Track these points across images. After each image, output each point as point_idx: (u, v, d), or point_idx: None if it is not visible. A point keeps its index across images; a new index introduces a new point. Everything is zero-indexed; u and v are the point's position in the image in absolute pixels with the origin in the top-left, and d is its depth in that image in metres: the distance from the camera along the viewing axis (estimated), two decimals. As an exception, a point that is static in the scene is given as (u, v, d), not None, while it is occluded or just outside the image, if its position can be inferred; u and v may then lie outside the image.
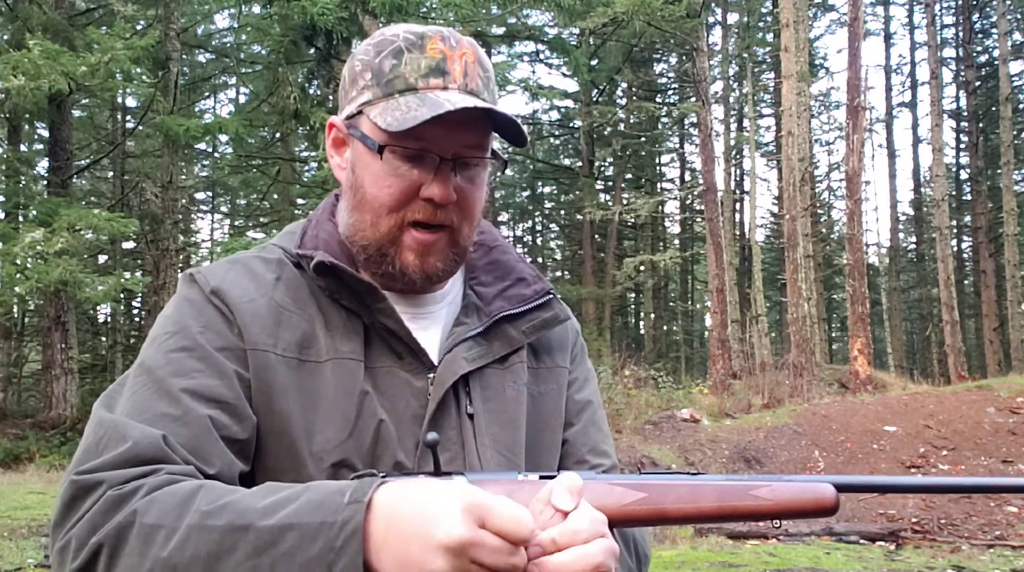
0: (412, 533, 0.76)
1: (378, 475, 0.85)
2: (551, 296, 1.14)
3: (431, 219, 1.02)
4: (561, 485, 0.82)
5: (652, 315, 31.80)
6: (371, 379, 1.01)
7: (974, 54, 29.09)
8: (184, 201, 23.77)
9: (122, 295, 16.65)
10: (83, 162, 19.86)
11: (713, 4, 23.59)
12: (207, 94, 26.69)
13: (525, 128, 1.03)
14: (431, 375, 1.04)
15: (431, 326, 1.09)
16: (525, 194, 33.77)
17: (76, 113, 19.03)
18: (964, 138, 31.99)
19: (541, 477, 0.91)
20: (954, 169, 32.45)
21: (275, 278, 1.05)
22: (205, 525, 0.81)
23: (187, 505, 0.82)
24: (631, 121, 28.14)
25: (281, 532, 0.79)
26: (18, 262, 11.48)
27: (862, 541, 8.05)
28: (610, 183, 31.73)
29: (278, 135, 17.02)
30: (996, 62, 27.21)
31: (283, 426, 0.97)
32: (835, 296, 33.35)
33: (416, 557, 0.75)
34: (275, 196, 22.48)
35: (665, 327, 33.36)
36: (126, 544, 0.82)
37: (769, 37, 27.04)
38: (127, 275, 16.93)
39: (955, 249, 30.18)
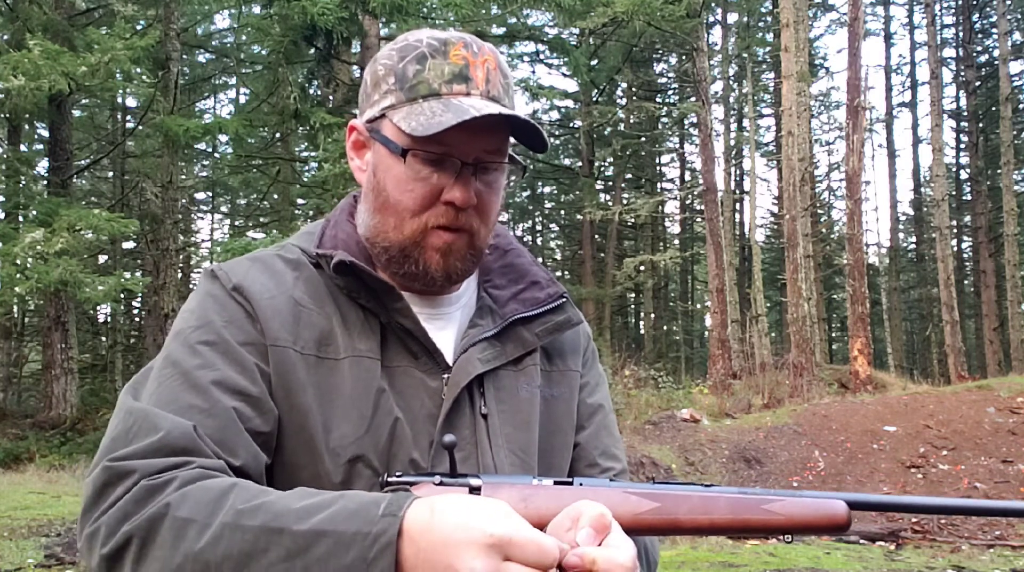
0: (439, 559, 0.76)
1: (411, 491, 0.86)
2: (564, 300, 1.15)
3: (452, 223, 1.03)
4: (587, 520, 0.82)
5: (652, 315, 31.80)
6: (387, 378, 1.02)
7: (974, 54, 29.09)
8: (184, 201, 23.79)
9: (122, 295, 16.62)
10: (83, 162, 19.86)
11: (713, 4, 23.58)
12: (207, 94, 26.70)
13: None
14: (446, 375, 1.05)
15: (446, 327, 1.10)
16: (525, 194, 33.77)
17: (76, 113, 19.03)
18: (964, 138, 31.99)
19: (556, 483, 0.91)
20: (954, 169, 32.44)
21: (295, 276, 1.06)
22: (239, 524, 0.81)
23: (221, 502, 0.83)
24: (631, 121, 28.13)
25: (315, 537, 0.80)
26: (18, 262, 11.47)
27: (862, 541, 8.06)
28: (610, 183, 31.72)
29: (278, 135, 17.01)
30: (996, 62, 27.21)
31: (302, 421, 0.98)
32: (835, 296, 33.33)
33: (455, 548, 0.76)
34: (275, 196, 22.46)
35: (665, 327, 33.36)
36: (157, 536, 0.83)
37: (769, 37, 27.02)
38: (127, 275, 16.93)
39: (955, 249, 30.16)
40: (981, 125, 29.17)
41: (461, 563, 0.75)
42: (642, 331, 32.95)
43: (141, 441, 0.89)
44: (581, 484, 0.93)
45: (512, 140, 1.06)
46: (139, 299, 22.45)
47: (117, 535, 0.84)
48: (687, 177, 31.55)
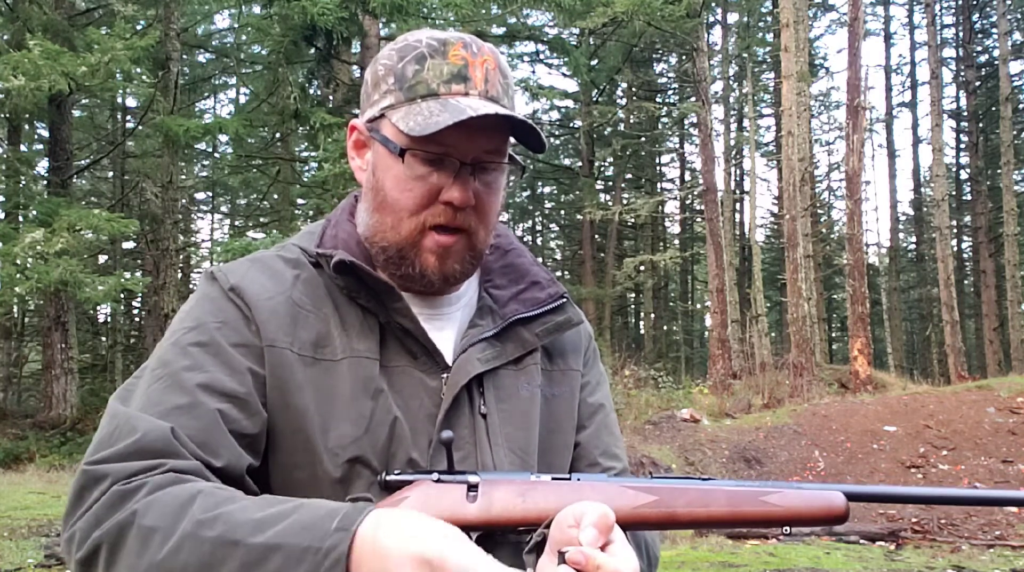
0: (388, 552, 0.78)
1: (372, 500, 0.87)
2: (565, 300, 1.15)
3: (450, 222, 1.03)
4: (590, 520, 0.82)
5: (652, 315, 31.80)
6: (386, 377, 1.03)
7: (974, 54, 29.10)
8: (184, 201, 23.80)
9: (122, 295, 16.64)
10: (83, 162, 19.87)
11: (713, 4, 23.59)
12: (207, 94, 26.71)
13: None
14: (445, 375, 1.05)
15: (446, 327, 1.10)
16: (525, 194, 33.78)
17: (76, 113, 19.04)
18: (964, 138, 32.00)
19: (554, 479, 0.91)
20: (954, 169, 32.46)
21: (294, 277, 1.06)
22: (198, 535, 0.82)
23: (184, 510, 0.84)
24: (631, 121, 28.14)
25: (268, 551, 0.80)
26: (18, 262, 11.48)
27: (862, 541, 8.06)
28: (610, 183, 31.73)
29: (278, 135, 17.03)
30: (996, 62, 27.22)
31: (299, 422, 0.99)
32: (835, 296, 33.34)
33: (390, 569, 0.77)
34: (275, 196, 22.49)
35: (665, 327, 33.36)
36: (125, 544, 0.84)
37: (769, 37, 27.03)
38: (127, 275, 16.93)
39: (955, 249, 30.17)
40: (981, 125, 29.18)
41: None
42: (642, 331, 32.96)
43: (119, 444, 0.90)
44: (579, 479, 0.93)
45: (512, 140, 1.06)
46: (139, 299, 22.47)
47: (88, 541, 0.85)
48: (687, 177, 31.56)
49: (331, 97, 14.43)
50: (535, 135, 1.03)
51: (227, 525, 0.82)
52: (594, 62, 24.85)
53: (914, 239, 36.84)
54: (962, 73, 29.93)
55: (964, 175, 32.68)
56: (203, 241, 29.36)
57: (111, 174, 24.87)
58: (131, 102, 22.21)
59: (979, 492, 0.93)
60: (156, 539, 0.82)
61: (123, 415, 0.93)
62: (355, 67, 14.80)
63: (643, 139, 27.96)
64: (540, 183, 33.33)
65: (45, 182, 15.93)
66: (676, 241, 32.36)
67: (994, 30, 28.30)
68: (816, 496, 0.91)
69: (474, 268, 1.09)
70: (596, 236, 28.26)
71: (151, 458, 0.89)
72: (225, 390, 0.96)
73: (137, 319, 26.60)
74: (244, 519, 0.83)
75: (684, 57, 24.07)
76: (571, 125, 29.14)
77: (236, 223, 29.47)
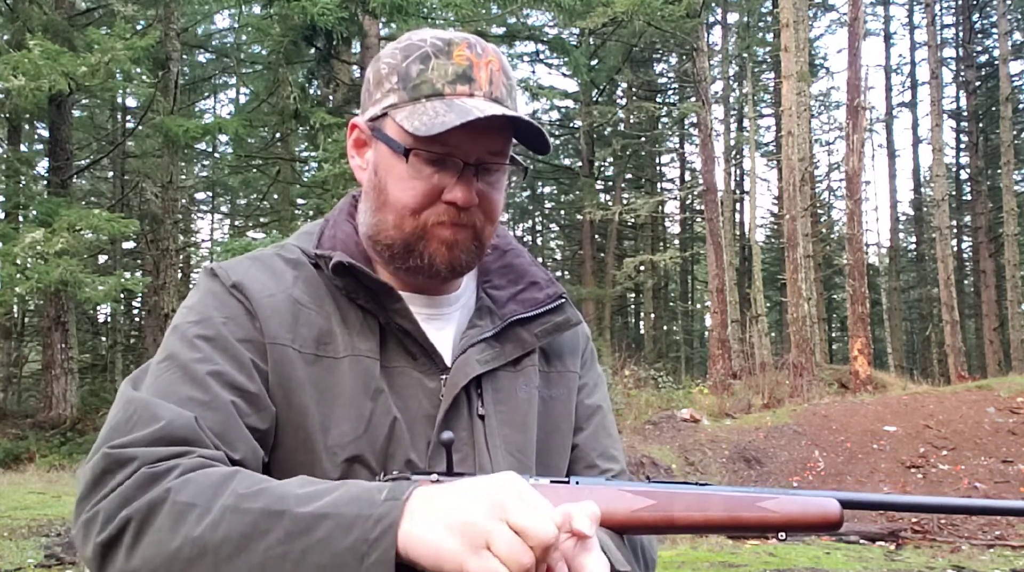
0: (443, 514, 0.78)
1: (412, 478, 0.87)
2: (563, 300, 1.15)
3: (454, 220, 1.03)
4: (583, 511, 0.83)
5: (652, 315, 31.80)
6: (386, 378, 1.03)
7: (974, 54, 29.09)
8: (184, 201, 23.81)
9: (122, 295, 16.63)
10: (83, 162, 19.86)
11: (713, 4, 23.58)
12: (207, 94, 26.71)
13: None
14: (444, 376, 1.05)
15: (445, 327, 1.10)
16: (525, 194, 33.76)
17: (76, 113, 19.02)
18: (964, 138, 32.00)
19: (552, 482, 0.92)
20: (954, 169, 32.45)
21: (294, 275, 1.06)
22: (240, 507, 0.81)
23: (223, 487, 0.83)
24: (631, 121, 28.14)
25: (317, 520, 0.80)
26: (18, 262, 11.48)
27: (862, 541, 8.06)
28: (610, 183, 31.73)
29: (278, 135, 17.03)
30: (996, 62, 27.22)
31: (300, 420, 0.99)
32: (835, 296, 33.33)
33: (454, 508, 0.77)
34: (275, 196, 22.49)
35: (665, 327, 33.36)
36: (156, 520, 0.82)
37: (769, 37, 27.03)
38: (127, 275, 16.93)
39: (955, 249, 30.16)
40: (981, 125, 29.18)
41: (464, 512, 0.76)
42: (642, 331, 32.96)
43: (142, 430, 0.89)
44: (578, 483, 0.93)
45: (513, 141, 1.06)
46: (139, 299, 22.46)
47: (115, 520, 0.83)
48: (687, 177, 31.55)
49: (331, 97, 14.43)
50: (540, 136, 1.03)
51: (271, 497, 0.82)
52: (594, 62, 24.85)
53: (914, 239, 36.85)
54: (962, 73, 29.92)
55: (964, 175, 32.68)
56: (203, 241, 29.39)
57: (111, 174, 24.87)
58: (131, 102, 22.21)
59: (973, 502, 0.93)
60: (192, 515, 0.81)
61: (140, 401, 0.92)
62: (355, 67, 14.81)
63: (643, 139, 27.96)
64: (540, 183, 33.31)
65: (45, 182, 15.92)
66: (676, 241, 32.35)
67: (994, 30, 28.30)
68: (811, 503, 0.91)
69: (478, 260, 1.09)
70: (596, 236, 28.26)
71: (178, 445, 0.88)
72: (236, 384, 0.96)
73: (137, 319, 26.60)
74: (288, 493, 0.82)
75: (684, 57, 24.05)
76: (571, 125, 29.14)
77: (236, 223, 29.46)
